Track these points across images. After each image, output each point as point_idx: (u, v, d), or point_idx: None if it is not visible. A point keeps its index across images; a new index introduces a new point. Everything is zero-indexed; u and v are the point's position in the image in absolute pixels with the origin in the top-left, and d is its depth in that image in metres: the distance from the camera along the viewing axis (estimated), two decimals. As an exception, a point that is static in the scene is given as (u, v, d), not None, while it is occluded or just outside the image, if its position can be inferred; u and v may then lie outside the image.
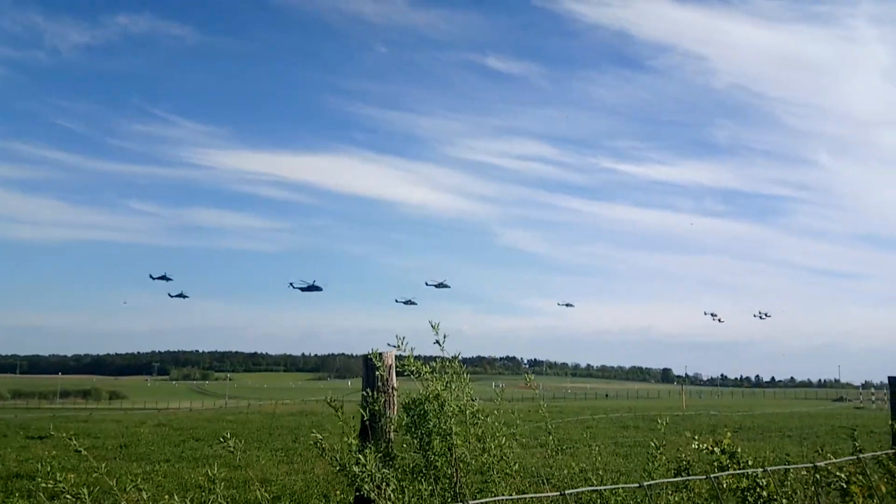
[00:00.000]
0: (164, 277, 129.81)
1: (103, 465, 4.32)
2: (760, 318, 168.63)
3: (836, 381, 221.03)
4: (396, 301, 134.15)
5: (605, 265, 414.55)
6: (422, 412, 4.29)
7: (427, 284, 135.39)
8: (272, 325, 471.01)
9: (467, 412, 4.35)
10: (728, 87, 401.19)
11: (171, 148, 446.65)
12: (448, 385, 4.37)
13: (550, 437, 5.13)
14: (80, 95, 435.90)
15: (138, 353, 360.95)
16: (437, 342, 4.42)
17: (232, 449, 4.40)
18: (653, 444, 5.09)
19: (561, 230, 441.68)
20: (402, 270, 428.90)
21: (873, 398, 52.81)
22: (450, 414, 4.24)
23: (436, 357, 4.59)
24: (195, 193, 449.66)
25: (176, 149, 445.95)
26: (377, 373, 4.74)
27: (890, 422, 7.32)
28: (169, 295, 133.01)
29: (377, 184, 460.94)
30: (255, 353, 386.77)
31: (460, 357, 4.58)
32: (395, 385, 4.86)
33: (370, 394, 4.60)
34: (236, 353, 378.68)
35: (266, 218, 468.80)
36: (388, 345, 4.73)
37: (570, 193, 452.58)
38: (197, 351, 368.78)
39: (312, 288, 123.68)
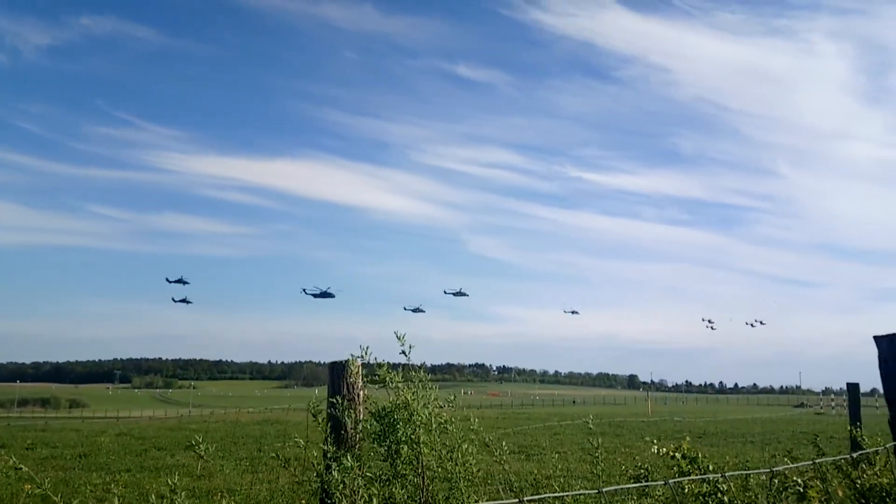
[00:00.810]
0: (180, 281, 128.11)
1: (62, 475, 4.23)
2: (752, 325, 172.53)
3: (798, 387, 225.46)
4: (405, 309, 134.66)
5: (572, 272, 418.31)
6: (391, 421, 4.28)
7: (445, 293, 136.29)
8: (238, 333, 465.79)
9: (434, 421, 4.35)
10: (691, 98, 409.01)
11: (136, 152, 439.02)
12: (416, 394, 4.37)
13: (504, 445, 5.14)
14: (42, 97, 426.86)
15: (99, 360, 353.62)
16: (403, 352, 4.42)
17: (203, 454, 4.36)
18: (599, 451, 5.15)
19: (528, 237, 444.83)
20: (371, 277, 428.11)
21: (833, 404, 53.95)
22: (418, 423, 4.24)
23: (404, 365, 4.58)
24: (160, 198, 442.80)
25: (140, 153, 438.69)
26: (344, 380, 4.71)
27: (849, 427, 7.51)
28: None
29: (346, 190, 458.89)
30: (220, 361, 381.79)
31: (428, 364, 4.60)
32: (361, 393, 4.84)
33: (338, 401, 4.58)
34: (200, 360, 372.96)
35: (232, 223, 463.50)
36: (352, 355, 4.72)
37: (537, 201, 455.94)
38: (160, 358, 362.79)
39: (325, 294, 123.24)
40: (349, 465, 4.05)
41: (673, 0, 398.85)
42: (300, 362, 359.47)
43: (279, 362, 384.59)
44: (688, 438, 4.59)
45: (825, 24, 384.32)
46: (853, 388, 9.67)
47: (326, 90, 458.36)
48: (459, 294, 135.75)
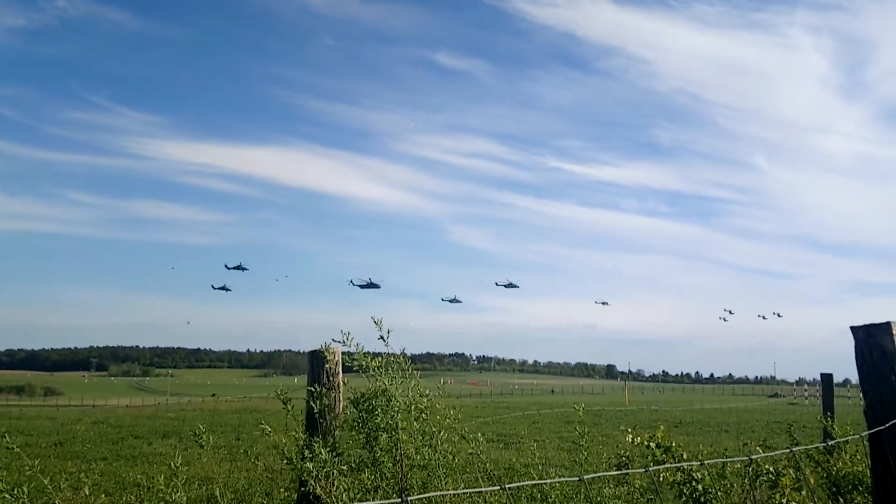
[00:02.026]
0: (239, 267, 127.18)
1: (36, 463, 4.18)
2: (724, 319, 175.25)
3: (772, 377, 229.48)
4: (443, 300, 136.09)
5: (552, 262, 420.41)
6: (369, 407, 4.26)
7: (497, 284, 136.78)
8: (216, 321, 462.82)
9: (413, 408, 4.35)
10: (671, 90, 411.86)
11: (112, 137, 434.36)
12: (395, 380, 4.36)
13: (480, 436, 5.17)
14: (15, 80, 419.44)
15: (75, 348, 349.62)
16: (382, 338, 4.40)
17: (205, 444, 4.35)
18: (584, 439, 5.19)
19: (509, 227, 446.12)
20: (351, 267, 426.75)
21: (806, 394, 54.82)
22: (396, 409, 4.23)
23: (383, 353, 4.57)
24: (136, 184, 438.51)
25: (117, 138, 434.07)
26: (324, 368, 4.69)
27: (821, 417, 7.64)
28: (212, 287, 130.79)
29: (326, 178, 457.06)
30: (198, 349, 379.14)
31: (408, 353, 4.57)
32: (341, 381, 4.82)
33: (316, 389, 4.56)
34: (178, 348, 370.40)
35: (210, 211, 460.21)
36: (334, 340, 4.69)
37: (518, 191, 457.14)
38: (137, 346, 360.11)
39: (371, 285, 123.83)
40: (320, 452, 4.04)
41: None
42: (279, 351, 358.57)
43: (258, 351, 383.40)
44: (662, 428, 4.63)
45: (803, 19, 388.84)
46: (827, 379, 9.83)
47: (306, 77, 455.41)
48: (510, 286, 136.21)
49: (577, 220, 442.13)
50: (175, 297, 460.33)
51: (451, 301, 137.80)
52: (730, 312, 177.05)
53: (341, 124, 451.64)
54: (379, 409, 4.22)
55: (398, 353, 4.54)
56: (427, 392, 4.70)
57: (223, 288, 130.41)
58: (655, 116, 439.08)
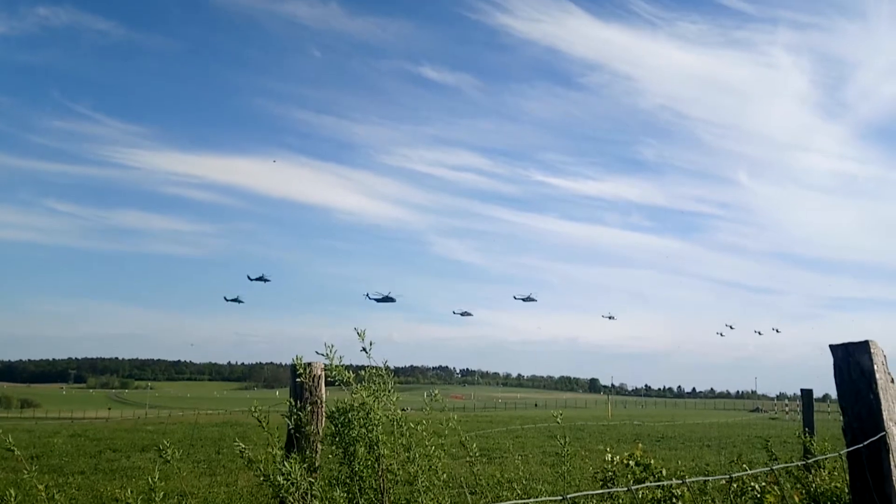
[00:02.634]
0: (261, 279, 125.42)
1: (12, 476, 4.12)
2: (722, 335, 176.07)
3: (753, 392, 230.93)
4: (454, 313, 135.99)
5: (536, 276, 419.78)
6: (346, 421, 4.23)
7: (515, 298, 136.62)
8: (197, 333, 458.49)
9: (394, 421, 4.32)
10: (654, 107, 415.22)
11: (94, 146, 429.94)
12: (374, 393, 4.33)
13: (475, 446, 5.15)
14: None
15: (53, 359, 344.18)
16: (364, 349, 4.38)
17: (168, 458, 4.29)
18: (565, 449, 5.19)
19: (493, 240, 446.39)
20: (335, 278, 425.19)
21: (787, 409, 55.22)
22: (376, 422, 4.20)
23: (366, 367, 4.55)
24: (118, 194, 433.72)
25: (98, 147, 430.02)
26: (304, 382, 4.67)
27: (800, 433, 7.71)
28: (225, 299, 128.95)
29: (310, 189, 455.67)
30: (179, 362, 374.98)
31: (389, 366, 4.55)
32: (323, 395, 4.79)
33: (296, 404, 4.52)
34: (158, 360, 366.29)
35: (192, 221, 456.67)
36: (317, 353, 4.66)
37: (502, 205, 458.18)
38: (117, 358, 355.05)
39: (387, 299, 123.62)
40: (293, 469, 3.99)
41: (636, 9, 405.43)
42: (261, 363, 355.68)
43: (239, 363, 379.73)
44: (640, 446, 4.65)
45: (783, 38, 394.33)
46: (807, 395, 9.91)
47: (291, 88, 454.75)
48: (529, 300, 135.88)
49: (560, 233, 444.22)
50: (155, 308, 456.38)
51: (461, 314, 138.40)
52: (730, 328, 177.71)
53: (327, 136, 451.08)
54: (356, 423, 4.18)
55: (380, 365, 4.52)
56: (436, 393, 4.69)
57: (236, 300, 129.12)
58: (638, 132, 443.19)
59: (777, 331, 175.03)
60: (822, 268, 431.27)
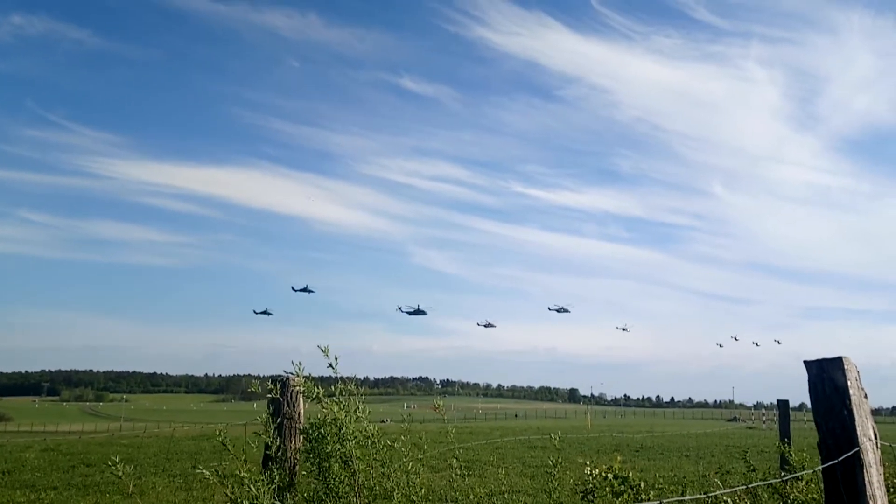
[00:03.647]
0: (305, 290, 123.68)
1: None
2: (721, 346, 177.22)
3: (731, 401, 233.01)
4: (477, 325, 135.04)
5: (515, 286, 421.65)
6: (319, 436, 4.18)
7: (550, 309, 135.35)
8: (173, 344, 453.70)
9: (371, 437, 4.28)
10: (630, 119, 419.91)
11: (68, 156, 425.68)
12: (345, 408, 4.28)
13: (456, 461, 5.13)
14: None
15: (26, 371, 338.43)
16: (330, 365, 4.33)
17: (121, 474, 4.21)
18: (556, 469, 5.19)
19: (472, 251, 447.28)
20: (314, 288, 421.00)
21: (764, 418, 55.70)
22: (349, 438, 4.15)
23: (343, 377, 4.50)
24: (93, 204, 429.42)
25: (73, 157, 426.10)
26: (281, 398, 4.62)
27: (777, 443, 7.77)
28: (254, 312, 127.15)
29: (289, 200, 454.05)
30: (155, 374, 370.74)
31: (370, 377, 4.52)
32: (301, 410, 4.75)
33: (272, 420, 4.47)
34: (134, 373, 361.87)
35: (168, 232, 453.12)
36: (284, 371, 4.62)
37: (481, 215, 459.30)
38: (91, 370, 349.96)
39: (418, 312, 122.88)
40: (262, 492, 3.92)
41: (612, 24, 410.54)
42: (238, 375, 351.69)
43: (216, 375, 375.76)
44: (619, 458, 4.66)
45: (757, 52, 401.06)
46: (783, 405, 10.00)
47: (269, 98, 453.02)
48: (562, 311, 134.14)
49: (539, 244, 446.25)
50: (131, 319, 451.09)
51: (485, 326, 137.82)
52: (734, 339, 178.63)
53: (305, 146, 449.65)
54: (329, 438, 4.15)
55: (354, 378, 4.48)
56: (387, 420, 4.64)
57: (265, 312, 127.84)
58: (616, 144, 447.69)
59: (757, 344, 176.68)
60: (797, 278, 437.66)
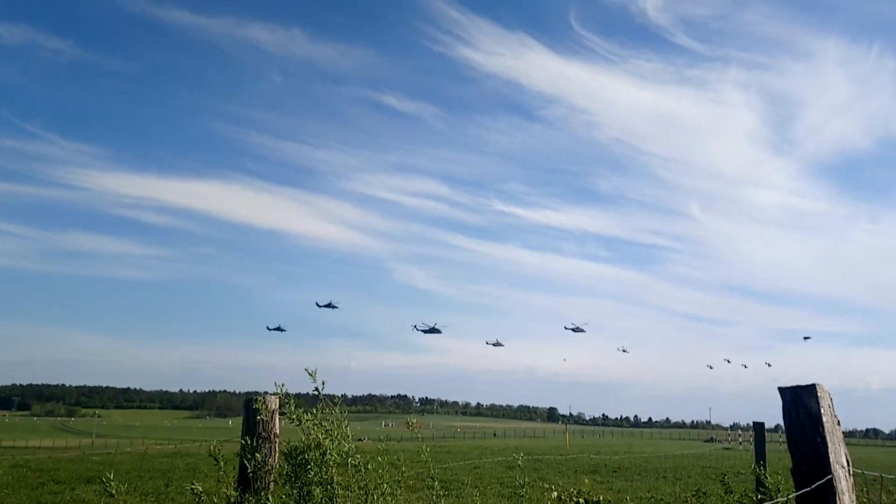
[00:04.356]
0: (329, 305, 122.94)
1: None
2: (711, 367, 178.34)
3: (708, 422, 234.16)
4: (487, 343, 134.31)
5: (496, 304, 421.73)
6: (302, 461, 4.15)
7: (566, 329, 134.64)
8: (148, 359, 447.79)
9: (350, 462, 4.25)
10: (610, 140, 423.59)
11: (45, 166, 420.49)
12: (329, 433, 4.26)
13: (437, 484, 5.11)
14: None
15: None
16: (317, 389, 4.31)
17: (114, 492, 4.16)
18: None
19: (454, 268, 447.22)
20: (293, 304, 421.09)
21: (741, 439, 56.07)
22: (331, 463, 4.13)
23: (322, 397, 4.47)
24: (69, 216, 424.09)
25: (49, 168, 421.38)
26: (258, 418, 4.57)
27: (754, 466, 7.83)
28: (267, 328, 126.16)
29: (269, 214, 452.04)
30: (128, 389, 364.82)
31: (349, 395, 4.50)
32: (277, 431, 4.70)
33: (248, 441, 4.42)
34: (107, 388, 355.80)
35: (146, 245, 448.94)
36: (275, 384, 4.58)
37: (463, 233, 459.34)
38: (63, 385, 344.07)
39: (433, 330, 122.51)
40: None
41: (593, 46, 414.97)
42: (214, 391, 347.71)
43: (192, 391, 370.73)
44: (587, 481, 4.67)
45: (734, 77, 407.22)
46: (759, 428, 10.06)
47: (251, 112, 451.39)
48: (578, 330, 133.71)
49: (520, 262, 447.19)
50: (105, 333, 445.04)
51: (494, 345, 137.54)
52: (727, 361, 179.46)
53: (287, 161, 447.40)
54: (312, 463, 4.12)
55: (336, 398, 4.46)
56: (365, 439, 4.62)
57: (278, 328, 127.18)
58: (596, 164, 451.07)
59: (745, 366, 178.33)
60: (772, 300, 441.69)
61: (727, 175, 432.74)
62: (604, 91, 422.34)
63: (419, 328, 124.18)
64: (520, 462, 5.88)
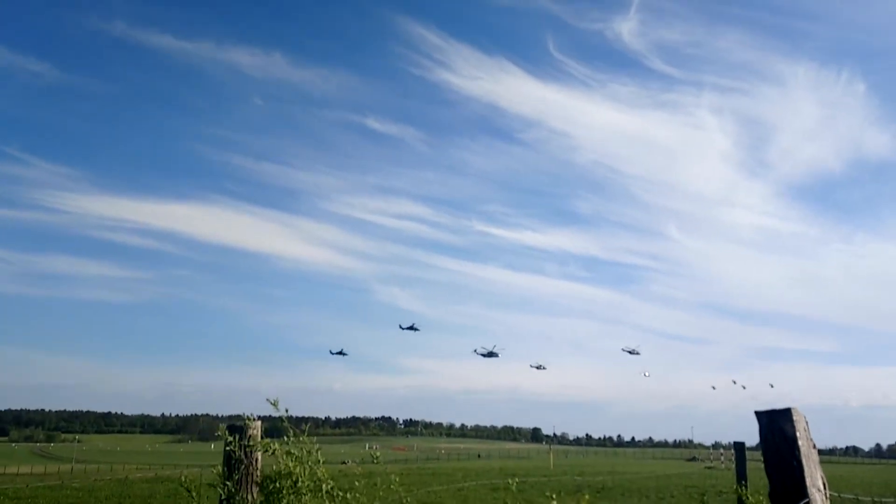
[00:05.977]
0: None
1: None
2: (745, 387, 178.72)
3: (690, 441, 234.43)
4: (480, 354, 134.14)
5: (478, 324, 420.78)
6: (275, 489, 4.12)
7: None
8: (128, 383, 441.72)
9: (324, 488, 4.21)
10: (589, 162, 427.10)
11: (23, 189, 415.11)
12: (300, 459, 4.21)
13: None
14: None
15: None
16: (281, 419, 4.28)
17: None
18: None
19: (436, 289, 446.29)
20: (275, 327, 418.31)
21: (722, 458, 56.21)
22: (304, 491, 4.09)
23: (308, 419, 4.45)
24: (48, 238, 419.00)
25: (28, 190, 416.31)
26: (238, 445, 4.53)
27: (735, 486, 7.86)
28: (330, 352, 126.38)
29: (250, 236, 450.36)
30: (109, 413, 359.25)
31: (332, 419, 4.47)
32: (257, 456, 4.66)
33: (227, 471, 4.38)
34: (87, 412, 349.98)
35: (125, 267, 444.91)
36: (244, 416, 4.55)
37: (445, 254, 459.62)
38: (42, 410, 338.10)
39: (491, 354, 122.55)
40: None
41: (571, 70, 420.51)
42: (196, 415, 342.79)
43: (173, 415, 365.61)
44: (587, 497, 4.67)
45: (708, 101, 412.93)
46: (739, 447, 10.10)
47: (232, 135, 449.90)
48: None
49: (502, 282, 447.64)
50: (85, 357, 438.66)
51: (536, 368, 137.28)
52: (734, 382, 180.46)
53: (268, 182, 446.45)
54: (285, 491, 4.09)
55: (304, 426, 4.42)
56: (348, 462, 4.59)
57: (340, 352, 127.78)
58: (575, 186, 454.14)
59: (745, 387, 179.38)
60: (750, 319, 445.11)
61: (704, 196, 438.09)
62: (582, 115, 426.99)
63: (479, 352, 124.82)
64: (513, 487, 5.87)
